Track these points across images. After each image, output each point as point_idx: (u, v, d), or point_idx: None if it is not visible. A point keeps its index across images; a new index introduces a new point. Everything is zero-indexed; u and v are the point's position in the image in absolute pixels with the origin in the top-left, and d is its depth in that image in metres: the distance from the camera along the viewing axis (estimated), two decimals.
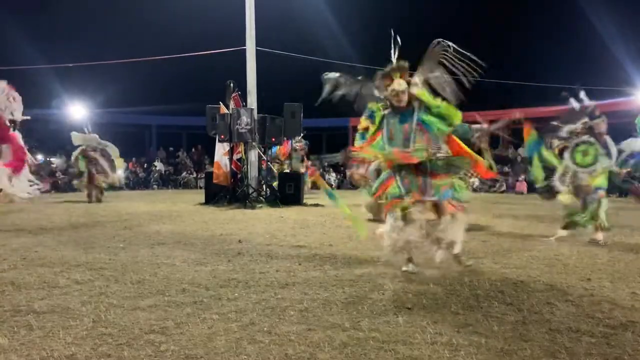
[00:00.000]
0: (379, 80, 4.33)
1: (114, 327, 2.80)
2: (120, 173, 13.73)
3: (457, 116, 4.18)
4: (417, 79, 4.25)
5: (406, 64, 4.26)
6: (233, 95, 12.14)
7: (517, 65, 21.73)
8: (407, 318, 3.00)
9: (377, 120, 4.37)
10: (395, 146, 4.20)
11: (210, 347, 2.53)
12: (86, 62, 16.98)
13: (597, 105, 6.25)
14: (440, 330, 2.78)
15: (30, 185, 7.62)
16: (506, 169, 21.49)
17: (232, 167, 12.01)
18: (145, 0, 19.97)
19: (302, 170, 14.21)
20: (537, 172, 6.13)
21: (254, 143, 12.25)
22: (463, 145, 4.34)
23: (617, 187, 6.96)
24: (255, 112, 12.38)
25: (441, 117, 4.15)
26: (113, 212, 9.68)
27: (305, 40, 20.03)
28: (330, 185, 19.88)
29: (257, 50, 12.93)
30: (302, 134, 14.01)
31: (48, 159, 21.06)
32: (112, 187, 13.88)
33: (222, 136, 11.87)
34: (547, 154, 6.04)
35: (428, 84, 4.27)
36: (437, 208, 4.31)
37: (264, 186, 12.68)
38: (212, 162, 15.64)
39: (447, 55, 4.14)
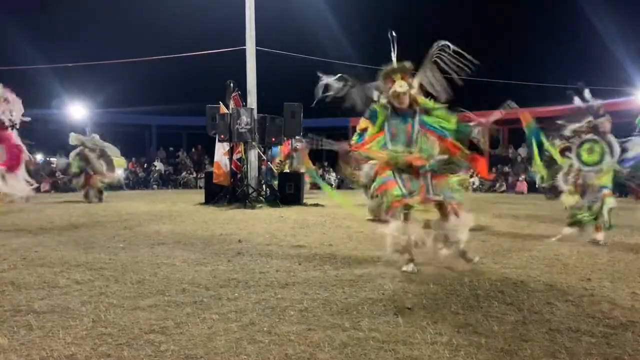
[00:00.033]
0: (381, 81, 4.34)
1: (113, 327, 2.80)
2: (120, 173, 13.74)
3: (453, 121, 4.24)
4: (415, 82, 4.27)
5: (408, 65, 4.26)
6: (233, 95, 12.14)
7: (517, 65, 21.74)
8: (407, 318, 3.00)
9: (379, 120, 4.38)
10: (398, 145, 4.22)
11: (210, 347, 2.53)
12: (86, 62, 16.99)
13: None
14: (440, 330, 2.78)
15: (28, 185, 7.60)
16: (506, 169, 21.51)
17: (232, 167, 12.01)
18: (145, 0, 19.99)
19: (302, 170, 14.21)
20: (540, 169, 6.10)
21: (254, 143, 12.25)
22: (458, 144, 4.34)
23: (618, 187, 6.92)
24: (255, 112, 12.38)
25: (441, 118, 4.20)
26: (113, 212, 9.68)
27: (305, 40, 20.04)
28: (331, 185, 19.88)
29: (257, 50, 12.93)
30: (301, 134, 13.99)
31: (48, 158, 21.08)
32: (111, 187, 13.89)
33: (222, 136, 11.87)
34: (547, 143, 6.00)
35: (420, 86, 4.30)
36: (441, 208, 4.32)
37: (264, 186, 12.68)
38: (212, 162, 15.66)
39: (441, 54, 4.15)
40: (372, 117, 4.46)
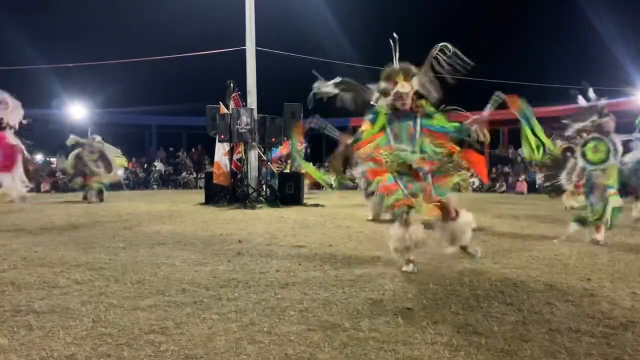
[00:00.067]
0: (383, 82, 4.34)
1: (113, 327, 2.80)
2: (120, 173, 13.74)
3: (453, 125, 4.28)
4: (416, 83, 4.28)
5: (410, 67, 4.27)
6: (233, 95, 12.13)
7: (517, 65, 21.76)
8: (407, 318, 2.99)
9: (379, 121, 4.38)
10: (400, 145, 4.23)
11: (210, 347, 2.53)
12: (86, 62, 17.02)
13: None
14: (440, 330, 2.78)
15: (24, 185, 7.59)
16: (506, 169, 21.50)
17: (232, 167, 12.01)
18: (145, 0, 20.00)
19: (302, 170, 14.21)
20: (527, 149, 5.96)
21: (254, 143, 12.25)
22: (455, 145, 4.35)
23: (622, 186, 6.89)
24: (255, 112, 12.37)
25: (442, 125, 4.26)
26: (113, 212, 9.68)
27: (305, 40, 20.06)
28: (330, 185, 19.85)
29: (257, 50, 12.92)
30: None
31: (48, 158, 21.09)
32: (110, 187, 13.89)
33: (222, 136, 11.87)
34: (538, 127, 5.86)
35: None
36: (443, 207, 4.33)
37: (264, 186, 12.68)
38: (212, 162, 15.65)
39: (439, 55, 4.16)
40: (373, 118, 4.45)
